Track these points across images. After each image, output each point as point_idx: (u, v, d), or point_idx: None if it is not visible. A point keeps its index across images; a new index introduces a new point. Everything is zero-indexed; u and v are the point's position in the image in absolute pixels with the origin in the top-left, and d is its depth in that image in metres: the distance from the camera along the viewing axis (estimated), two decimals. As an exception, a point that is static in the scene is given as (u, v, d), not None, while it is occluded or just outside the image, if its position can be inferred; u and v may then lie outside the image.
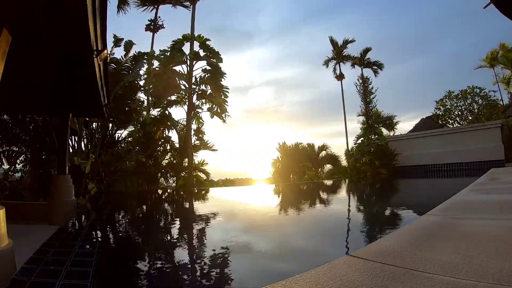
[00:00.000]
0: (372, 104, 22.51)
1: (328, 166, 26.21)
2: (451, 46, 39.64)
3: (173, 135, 20.20)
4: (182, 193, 14.27)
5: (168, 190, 15.45)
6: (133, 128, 14.82)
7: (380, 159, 20.00)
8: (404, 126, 37.02)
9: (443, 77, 41.30)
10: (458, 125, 24.00)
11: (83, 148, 12.05)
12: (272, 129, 46.51)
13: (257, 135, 45.00)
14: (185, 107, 17.01)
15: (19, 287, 2.55)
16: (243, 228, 5.45)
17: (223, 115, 17.23)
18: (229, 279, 2.97)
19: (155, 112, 16.94)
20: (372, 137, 21.39)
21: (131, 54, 13.48)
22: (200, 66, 17.29)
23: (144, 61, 14.46)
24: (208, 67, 16.99)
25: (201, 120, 17.38)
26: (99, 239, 5.10)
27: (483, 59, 22.91)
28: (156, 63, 17.12)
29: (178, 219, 7.53)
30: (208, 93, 17.21)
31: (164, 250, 4.21)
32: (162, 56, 16.86)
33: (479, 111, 23.66)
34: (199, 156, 17.42)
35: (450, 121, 25.31)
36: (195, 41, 17.19)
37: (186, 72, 17.26)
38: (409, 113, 50.31)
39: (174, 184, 16.45)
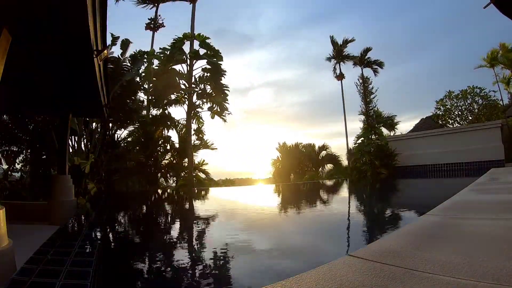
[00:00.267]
0: (372, 104, 22.51)
1: (328, 166, 26.21)
2: (451, 46, 39.62)
3: (173, 135, 20.22)
4: (182, 193, 14.26)
5: (168, 190, 15.44)
6: (133, 128, 14.84)
7: (380, 159, 19.99)
8: (404, 126, 36.89)
9: (443, 77, 41.36)
10: (458, 125, 23.99)
11: (83, 148, 12.06)
12: (272, 129, 46.51)
13: (257, 135, 44.99)
14: (185, 106, 17.01)
15: (19, 287, 2.54)
16: (243, 228, 5.45)
17: (224, 115, 17.24)
18: (229, 279, 2.96)
19: (154, 111, 16.97)
20: (372, 137, 21.39)
21: (128, 52, 13.50)
22: (200, 66, 17.34)
23: (144, 60, 14.46)
24: (208, 66, 17.00)
25: (201, 120, 17.40)
26: (99, 239, 5.10)
27: (483, 59, 22.90)
28: (156, 62, 17.14)
29: (178, 219, 7.53)
30: (208, 92, 17.21)
31: (164, 250, 4.21)
32: (162, 55, 16.86)
33: (479, 111, 23.65)
34: (199, 156, 17.45)
35: (450, 121, 25.32)
36: (195, 40, 17.20)
37: (186, 71, 17.27)
38: (409, 113, 50.18)
39: (174, 184, 16.44)
